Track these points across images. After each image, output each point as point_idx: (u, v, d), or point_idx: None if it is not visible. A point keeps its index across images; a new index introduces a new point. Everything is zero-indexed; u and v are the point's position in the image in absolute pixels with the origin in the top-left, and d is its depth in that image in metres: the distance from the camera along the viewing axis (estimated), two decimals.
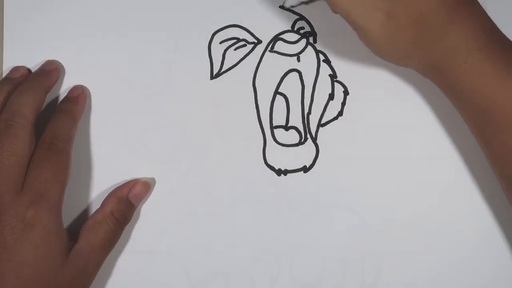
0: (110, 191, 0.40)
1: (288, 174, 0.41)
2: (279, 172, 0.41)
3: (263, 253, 0.41)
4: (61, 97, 0.41)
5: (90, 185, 0.41)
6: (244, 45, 0.41)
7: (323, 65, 0.41)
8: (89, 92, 0.41)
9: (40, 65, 0.41)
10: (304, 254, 0.41)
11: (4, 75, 0.41)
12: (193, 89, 0.41)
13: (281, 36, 0.41)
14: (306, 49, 0.41)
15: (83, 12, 0.41)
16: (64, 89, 0.41)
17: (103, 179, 0.41)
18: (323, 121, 0.41)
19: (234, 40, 0.41)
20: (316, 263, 0.40)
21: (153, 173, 0.41)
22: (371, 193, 0.41)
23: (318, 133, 0.41)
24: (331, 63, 0.41)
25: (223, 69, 0.41)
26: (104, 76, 0.41)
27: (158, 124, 0.41)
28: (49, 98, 0.40)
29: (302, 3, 0.40)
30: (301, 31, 0.41)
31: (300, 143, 0.41)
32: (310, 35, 0.41)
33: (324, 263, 0.40)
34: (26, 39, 0.41)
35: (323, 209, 0.41)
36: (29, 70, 0.41)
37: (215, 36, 0.41)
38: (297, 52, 0.41)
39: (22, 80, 0.40)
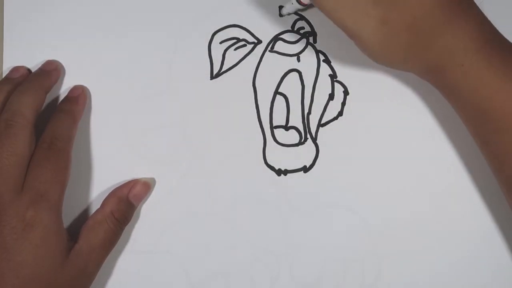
0: (110, 191, 0.40)
1: (288, 174, 0.41)
2: (279, 172, 0.41)
3: (263, 253, 0.41)
4: (61, 97, 0.41)
5: (90, 185, 0.41)
6: (244, 45, 0.41)
7: (323, 65, 0.41)
8: (89, 92, 0.41)
9: (40, 65, 0.41)
10: (304, 254, 0.41)
11: (4, 75, 0.41)
12: (193, 89, 0.41)
13: (281, 36, 0.41)
14: (306, 49, 0.41)
15: (83, 12, 0.41)
16: (64, 89, 0.41)
17: (103, 179, 0.41)
18: (323, 121, 0.41)
19: (234, 40, 0.41)
20: (316, 263, 0.40)
21: (153, 173, 0.41)
22: (371, 193, 0.41)
23: (318, 133, 0.41)
24: (331, 63, 0.41)
25: (223, 69, 0.41)
26: (104, 76, 0.41)
27: (158, 124, 0.41)
28: (49, 98, 0.40)
29: (298, 10, 0.40)
30: (301, 31, 0.41)
31: (300, 143, 0.41)
32: (310, 35, 0.41)
33: (324, 263, 0.40)
34: (26, 39, 0.41)
35: (323, 209, 0.41)
36: (29, 70, 0.41)
37: (215, 36, 0.41)
38: (297, 52, 0.41)
39: (22, 80, 0.40)
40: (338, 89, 0.41)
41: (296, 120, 0.41)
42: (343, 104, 0.41)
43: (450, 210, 0.40)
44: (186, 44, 0.41)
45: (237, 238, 0.41)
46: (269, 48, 0.41)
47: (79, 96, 0.40)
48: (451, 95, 0.36)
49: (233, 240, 0.41)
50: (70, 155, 0.38)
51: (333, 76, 0.41)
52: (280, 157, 0.41)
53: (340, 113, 0.41)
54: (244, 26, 0.41)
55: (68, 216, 0.40)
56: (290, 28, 0.41)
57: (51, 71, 0.40)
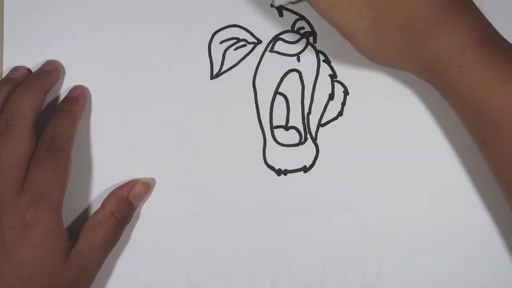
0: (110, 191, 0.40)
1: (288, 174, 0.41)
2: (279, 172, 0.41)
3: (263, 253, 0.41)
4: (61, 97, 0.41)
5: (90, 185, 0.41)
6: (244, 45, 0.41)
7: (323, 65, 0.41)
8: (89, 92, 0.41)
9: (40, 65, 0.41)
10: (304, 254, 0.41)
11: (4, 75, 0.41)
12: (193, 89, 0.41)
13: (281, 36, 0.41)
14: (306, 49, 0.41)
15: (83, 12, 0.41)
16: (64, 89, 0.41)
17: (103, 179, 0.41)
18: (323, 121, 0.41)
19: (234, 40, 0.41)
20: (316, 263, 0.41)
21: (153, 173, 0.41)
22: (371, 193, 0.41)
23: (318, 133, 0.41)
24: (331, 63, 0.41)
25: (223, 69, 0.41)
26: (104, 76, 0.41)
27: (158, 124, 0.41)
28: (49, 98, 0.40)
29: (291, 2, 0.40)
30: (301, 31, 0.41)
31: (300, 143, 0.41)
32: (310, 35, 0.41)
33: (324, 263, 0.40)
34: (26, 39, 0.41)
35: (323, 209, 0.41)
36: (29, 70, 0.41)
37: (215, 36, 0.41)
38: (297, 52, 0.41)
39: (22, 80, 0.40)
40: (338, 89, 0.41)
41: (296, 120, 0.41)
42: (343, 104, 0.41)
43: (450, 210, 0.40)
44: (186, 44, 0.41)
45: (237, 238, 0.41)
46: (269, 48, 0.41)
47: (79, 96, 0.40)
48: (449, 95, 0.36)
49: (233, 240, 0.41)
50: (70, 155, 0.38)
51: (333, 76, 0.41)
52: (280, 157, 0.41)
53: (340, 113, 0.41)
54: (244, 26, 0.41)
55: (68, 216, 0.40)
56: (290, 28, 0.41)
57: (51, 71, 0.40)
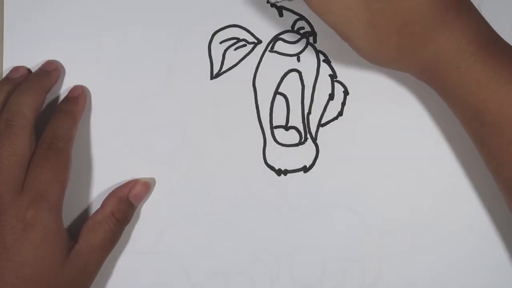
0: (110, 191, 0.40)
1: (288, 174, 0.41)
2: (279, 172, 0.41)
3: (263, 253, 0.41)
4: (61, 97, 0.41)
5: (90, 185, 0.41)
6: (244, 45, 0.41)
7: (323, 65, 0.41)
8: (89, 92, 0.41)
9: (40, 65, 0.41)
10: (304, 254, 0.41)
11: (4, 75, 0.41)
12: (193, 89, 0.41)
13: (281, 36, 0.41)
14: (306, 49, 0.41)
15: (83, 12, 0.41)
16: (64, 89, 0.41)
17: (103, 179, 0.41)
18: (323, 121, 0.41)
19: (234, 40, 0.41)
20: (316, 263, 0.41)
21: (153, 173, 0.41)
22: (371, 193, 0.41)
23: (318, 133, 0.41)
24: (331, 63, 0.41)
25: (223, 69, 0.41)
26: (104, 76, 0.41)
27: (158, 124, 0.41)
28: (49, 98, 0.40)
29: (287, 0, 0.40)
30: (301, 31, 0.41)
31: (300, 143, 0.41)
32: (310, 35, 0.41)
33: (324, 263, 0.40)
34: (26, 39, 0.41)
35: (323, 209, 0.41)
36: (29, 70, 0.41)
37: (215, 36, 0.41)
38: (297, 52, 0.41)
39: (22, 80, 0.40)
40: (338, 89, 0.41)
41: (296, 120, 0.41)
42: (343, 104, 0.41)
43: (450, 210, 0.40)
44: (186, 44, 0.41)
45: (237, 238, 0.41)
46: (269, 48, 0.41)
47: (79, 96, 0.40)
48: (448, 96, 0.36)
49: (233, 240, 0.41)
50: (70, 155, 0.38)
51: (333, 76, 0.41)
52: (280, 157, 0.41)
53: (340, 113, 0.41)
54: (244, 26, 0.41)
55: (68, 216, 0.40)
56: (290, 28, 0.41)
57: (51, 71, 0.40)
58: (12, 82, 0.39)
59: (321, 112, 0.41)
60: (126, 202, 0.39)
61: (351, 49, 0.36)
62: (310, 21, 0.41)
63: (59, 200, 0.36)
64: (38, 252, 0.35)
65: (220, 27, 0.41)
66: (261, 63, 0.41)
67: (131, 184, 0.40)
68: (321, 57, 0.41)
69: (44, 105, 0.40)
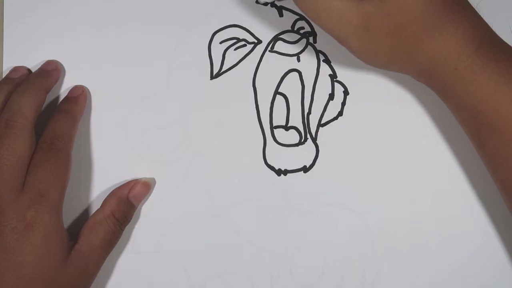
0: (110, 191, 0.40)
1: (288, 174, 0.41)
2: (279, 172, 0.41)
3: (263, 253, 0.41)
4: (61, 97, 0.41)
5: (90, 185, 0.41)
6: (244, 45, 0.41)
7: (323, 65, 0.41)
8: (89, 92, 0.41)
9: (40, 65, 0.41)
10: (304, 254, 0.41)
11: (4, 75, 0.41)
12: (193, 89, 0.41)
13: (281, 36, 0.41)
14: (306, 49, 0.41)
15: (83, 12, 0.41)
16: (64, 89, 0.41)
17: (103, 179, 0.41)
18: (323, 121, 0.41)
19: (234, 40, 0.41)
20: (316, 263, 0.41)
21: (153, 173, 0.41)
22: (371, 193, 0.41)
23: (318, 133, 0.41)
24: (331, 63, 0.41)
25: (223, 69, 0.41)
26: (104, 76, 0.41)
27: (158, 124, 0.41)
28: (49, 98, 0.40)
29: (276, 1, 0.40)
30: (301, 31, 0.41)
31: (300, 143, 0.41)
32: (310, 35, 0.41)
33: (324, 263, 0.40)
34: (26, 39, 0.41)
35: (323, 209, 0.41)
36: (29, 70, 0.41)
37: (215, 36, 0.41)
38: (297, 52, 0.41)
39: (22, 80, 0.40)
40: (338, 89, 0.41)
41: (296, 120, 0.41)
42: (343, 104, 0.41)
43: (450, 210, 0.40)
44: (186, 44, 0.41)
45: (237, 238, 0.41)
46: (269, 48, 0.41)
47: (79, 96, 0.40)
48: (446, 97, 0.36)
49: (233, 240, 0.41)
50: (70, 155, 0.38)
51: (333, 76, 0.41)
52: (280, 157, 0.41)
53: (340, 113, 0.41)
54: (244, 26, 0.41)
55: (68, 216, 0.40)
56: (290, 28, 0.41)
57: (51, 71, 0.40)
58: (12, 82, 0.39)
59: (321, 112, 0.41)
60: (126, 202, 0.39)
61: None
62: (310, 21, 0.41)
63: (59, 200, 0.37)
64: (38, 252, 0.35)
65: (220, 27, 0.41)
66: (261, 63, 0.41)
67: (131, 184, 0.40)
68: (321, 57, 0.41)
69: (44, 105, 0.40)
